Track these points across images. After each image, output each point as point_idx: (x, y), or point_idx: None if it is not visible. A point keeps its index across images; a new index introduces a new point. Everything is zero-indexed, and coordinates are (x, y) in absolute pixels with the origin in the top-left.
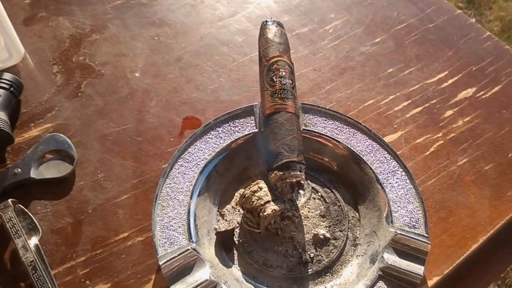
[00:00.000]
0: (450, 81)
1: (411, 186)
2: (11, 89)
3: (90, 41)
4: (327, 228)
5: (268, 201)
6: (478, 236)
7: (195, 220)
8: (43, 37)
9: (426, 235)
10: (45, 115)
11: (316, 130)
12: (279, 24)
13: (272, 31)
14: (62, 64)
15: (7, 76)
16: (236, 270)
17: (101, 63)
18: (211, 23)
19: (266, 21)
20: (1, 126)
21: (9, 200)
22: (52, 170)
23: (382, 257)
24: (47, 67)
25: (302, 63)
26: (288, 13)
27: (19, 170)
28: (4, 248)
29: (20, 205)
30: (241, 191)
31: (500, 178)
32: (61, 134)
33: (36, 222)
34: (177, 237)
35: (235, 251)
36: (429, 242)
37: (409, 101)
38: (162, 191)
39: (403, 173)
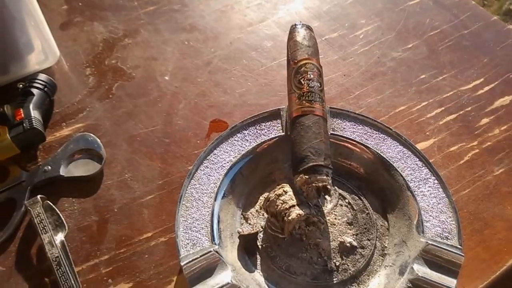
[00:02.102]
0: (486, 88)
1: (444, 195)
2: (45, 89)
3: (122, 45)
4: (354, 236)
5: (293, 205)
6: None
7: (218, 222)
8: (77, 41)
9: (459, 246)
10: (76, 115)
11: (345, 135)
12: (308, 28)
13: (301, 34)
14: (95, 67)
15: (42, 77)
16: (258, 275)
17: (132, 67)
18: (240, 29)
19: (295, 25)
20: (34, 124)
21: (38, 196)
22: (81, 168)
23: (412, 268)
24: (81, 70)
25: (331, 68)
26: (318, 19)
27: (49, 167)
28: (31, 243)
29: (48, 202)
30: (266, 194)
31: None
32: (91, 134)
33: (63, 218)
34: (200, 238)
35: (258, 256)
36: (463, 254)
37: (443, 108)
38: (187, 192)
39: (436, 181)
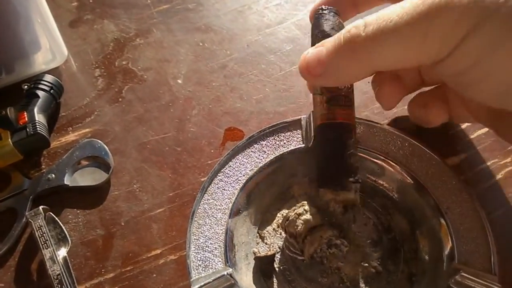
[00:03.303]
0: None
1: (478, 216)
2: (51, 91)
3: (134, 46)
4: (379, 260)
5: (315, 226)
6: None
7: (233, 242)
8: (87, 39)
9: (495, 275)
10: (84, 120)
11: (370, 148)
12: (337, 13)
13: (329, 22)
14: (105, 67)
15: (48, 78)
16: None
17: (144, 68)
18: (258, 30)
19: (322, 10)
20: (38, 129)
21: (40, 208)
22: (86, 177)
23: None
24: (89, 71)
25: None
26: None
27: (53, 175)
28: (32, 257)
29: (51, 213)
30: (284, 212)
31: None
32: (98, 140)
33: (66, 232)
34: (212, 259)
35: (274, 279)
36: (500, 285)
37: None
38: (200, 207)
39: (469, 201)
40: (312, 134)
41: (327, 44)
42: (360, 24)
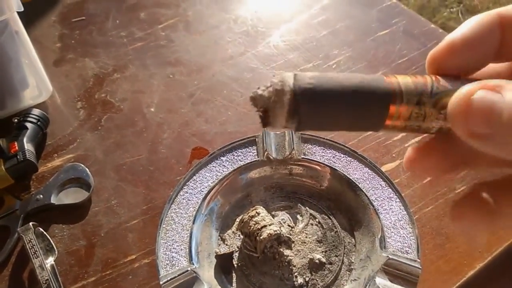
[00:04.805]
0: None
1: (405, 212)
2: (38, 123)
3: (112, 80)
4: (323, 253)
5: (265, 226)
6: (475, 262)
7: (196, 244)
8: (70, 76)
9: (417, 259)
10: (67, 147)
11: (315, 159)
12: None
13: None
14: (86, 100)
15: (36, 111)
16: None
17: (121, 99)
18: (222, 62)
19: None
20: (27, 156)
21: (30, 223)
22: (70, 196)
23: (374, 281)
24: (72, 103)
25: None
26: (294, 51)
27: (41, 196)
28: (23, 267)
29: (40, 228)
30: (242, 216)
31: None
32: (80, 164)
33: (53, 244)
34: (178, 259)
35: (233, 274)
36: (420, 267)
37: None
38: (167, 216)
39: (398, 199)
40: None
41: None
42: None
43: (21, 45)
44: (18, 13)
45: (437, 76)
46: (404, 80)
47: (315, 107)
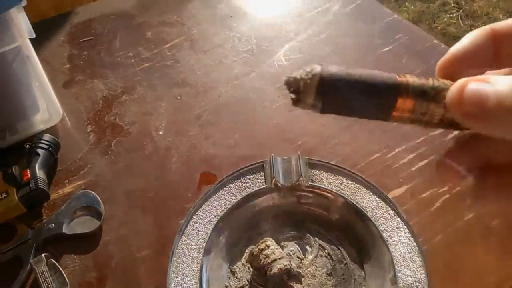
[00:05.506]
0: (456, 132)
1: (415, 244)
2: (50, 149)
3: (120, 102)
4: (333, 287)
5: (275, 260)
6: None
7: (207, 278)
8: (79, 98)
9: None
10: (78, 173)
11: (322, 186)
12: None
13: None
14: (95, 123)
15: (47, 137)
16: None
17: (130, 122)
18: (228, 82)
19: None
20: (40, 184)
21: (43, 255)
22: (82, 225)
23: None
24: (82, 127)
25: (310, 118)
26: (299, 70)
27: (53, 225)
28: None
29: (52, 260)
30: (251, 247)
31: (508, 234)
32: (91, 191)
33: (65, 276)
34: None
35: None
36: None
37: (415, 154)
38: (178, 248)
39: (407, 230)
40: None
41: (497, 85)
42: None
43: (32, 69)
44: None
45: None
46: (412, 78)
47: (337, 90)
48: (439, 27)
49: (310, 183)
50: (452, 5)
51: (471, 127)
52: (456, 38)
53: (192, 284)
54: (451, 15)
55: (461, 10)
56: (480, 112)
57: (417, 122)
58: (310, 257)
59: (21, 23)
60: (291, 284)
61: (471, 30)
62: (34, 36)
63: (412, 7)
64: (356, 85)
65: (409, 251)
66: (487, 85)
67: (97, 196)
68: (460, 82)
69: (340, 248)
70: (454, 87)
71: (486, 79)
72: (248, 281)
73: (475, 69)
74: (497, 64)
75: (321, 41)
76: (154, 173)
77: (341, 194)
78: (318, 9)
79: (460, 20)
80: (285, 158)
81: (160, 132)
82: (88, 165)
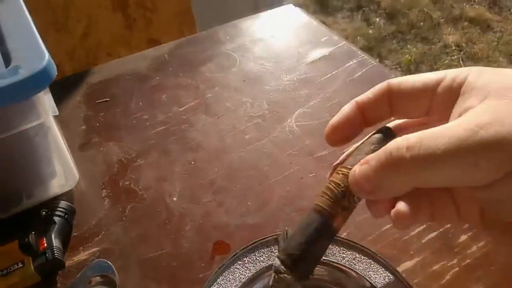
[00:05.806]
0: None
1: None
2: (66, 216)
3: (135, 166)
4: None
5: None
6: None
7: None
8: (95, 162)
9: None
10: (93, 239)
11: (336, 260)
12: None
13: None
14: (111, 188)
15: (63, 204)
16: None
17: (144, 188)
18: (240, 147)
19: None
20: (56, 254)
21: None
22: None
23: None
24: (97, 192)
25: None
26: (309, 136)
27: None
28: None
29: None
30: None
31: None
32: (106, 261)
33: None
34: None
35: None
36: None
37: (425, 226)
38: None
39: None
40: None
41: (371, 162)
42: (402, 145)
43: (52, 140)
44: None
45: (337, 173)
46: (326, 203)
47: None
48: (440, 69)
49: (323, 258)
50: (453, 47)
51: (370, 198)
52: None
53: None
54: (452, 57)
55: (462, 52)
56: (370, 186)
57: (348, 211)
58: None
59: (46, 102)
60: None
61: None
62: (57, 113)
63: (414, 49)
64: (307, 250)
65: None
66: (366, 165)
67: (112, 265)
68: (352, 172)
69: None
70: (350, 177)
71: (365, 161)
72: None
73: (379, 117)
74: (394, 116)
75: (331, 107)
76: (168, 241)
77: (354, 270)
78: (328, 75)
79: (461, 62)
80: None
81: (174, 199)
82: (103, 231)
